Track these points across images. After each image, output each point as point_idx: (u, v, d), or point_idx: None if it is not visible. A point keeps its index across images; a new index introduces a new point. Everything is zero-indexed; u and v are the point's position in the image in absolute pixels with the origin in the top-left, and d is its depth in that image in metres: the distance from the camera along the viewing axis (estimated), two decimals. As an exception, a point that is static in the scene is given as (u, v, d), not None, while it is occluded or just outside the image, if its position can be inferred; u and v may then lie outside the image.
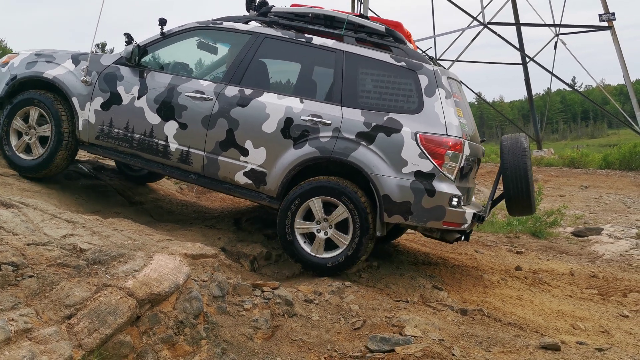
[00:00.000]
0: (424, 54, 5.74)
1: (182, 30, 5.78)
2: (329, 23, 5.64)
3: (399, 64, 5.21)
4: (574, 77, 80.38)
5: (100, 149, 5.79)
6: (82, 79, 5.71)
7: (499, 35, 21.90)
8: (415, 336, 4.01)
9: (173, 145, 5.48)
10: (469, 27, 23.59)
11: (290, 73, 5.75)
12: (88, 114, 5.70)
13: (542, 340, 4.24)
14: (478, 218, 5.22)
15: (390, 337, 3.97)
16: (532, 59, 22.95)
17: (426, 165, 4.89)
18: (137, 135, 5.57)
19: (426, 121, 4.99)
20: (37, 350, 2.82)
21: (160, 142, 5.51)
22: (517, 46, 23.77)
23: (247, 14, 6.00)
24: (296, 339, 4.01)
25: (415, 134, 4.94)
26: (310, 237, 5.15)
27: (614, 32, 21.23)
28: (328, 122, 5.12)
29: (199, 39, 5.95)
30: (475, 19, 23.11)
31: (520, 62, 24.91)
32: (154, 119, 5.52)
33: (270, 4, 6.03)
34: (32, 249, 3.61)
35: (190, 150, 5.43)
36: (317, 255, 5.09)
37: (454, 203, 4.90)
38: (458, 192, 4.95)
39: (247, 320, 4.03)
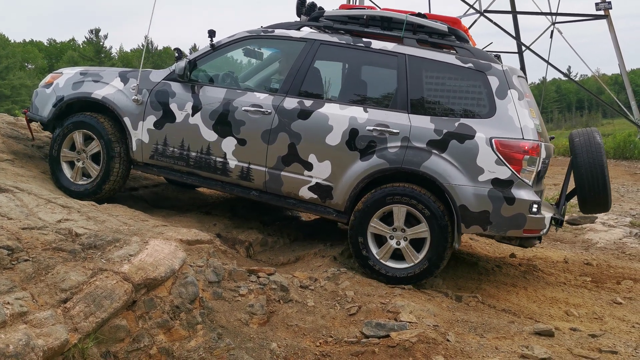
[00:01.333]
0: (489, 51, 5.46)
1: (233, 41, 5.56)
2: (386, 24, 5.36)
3: (466, 65, 4.96)
4: (570, 67, 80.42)
5: (155, 168, 5.63)
6: (133, 97, 5.53)
7: (495, 24, 21.85)
8: (410, 322, 4.02)
9: (232, 162, 5.31)
10: (465, 15, 23.51)
11: (350, 80, 5.50)
12: (141, 133, 5.54)
13: (536, 327, 4.27)
14: (556, 222, 5.09)
15: (386, 323, 3.99)
16: (528, 48, 22.93)
17: (503, 172, 4.67)
18: (194, 153, 5.40)
19: (500, 125, 4.75)
20: (32, 333, 2.81)
21: (219, 159, 5.34)
22: (514, 35, 23.73)
23: (297, 19, 5.76)
24: (292, 324, 4.03)
25: (490, 139, 4.71)
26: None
27: (610, 21, 21.23)
28: (396, 131, 4.89)
29: (246, 47, 5.73)
30: (471, 6, 23.03)
31: (517, 50, 24.88)
32: (210, 135, 5.34)
33: (312, 6, 5.79)
34: (27, 233, 3.60)
35: (251, 166, 5.26)
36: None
37: (534, 210, 4.69)
38: (538, 198, 4.76)
39: (242, 305, 4.04)
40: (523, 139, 4.72)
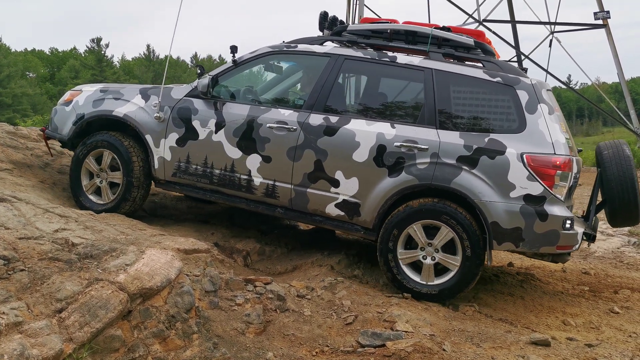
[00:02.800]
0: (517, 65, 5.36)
1: (255, 57, 5.53)
2: (410, 38, 5.37)
3: (495, 79, 4.91)
4: (570, 75, 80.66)
5: (177, 186, 5.60)
6: (155, 115, 5.50)
7: (494, 33, 21.88)
8: (406, 331, 4.03)
9: (257, 180, 5.26)
10: (464, 24, 23.59)
11: (375, 96, 5.40)
12: (163, 151, 5.51)
13: (533, 336, 4.27)
14: (588, 237, 5.04)
15: (382, 332, 3.99)
16: (527, 57, 22.97)
17: (536, 188, 4.62)
18: (217, 171, 5.36)
19: (531, 140, 4.70)
20: (27, 343, 2.82)
21: (243, 176, 5.30)
22: (513, 44, 23.80)
23: (319, 34, 5.73)
24: (288, 333, 4.03)
25: (521, 155, 4.65)
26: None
27: (608, 30, 21.29)
28: (424, 147, 4.83)
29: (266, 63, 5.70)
30: (470, 16, 23.13)
31: (516, 59, 24.94)
32: (234, 153, 5.30)
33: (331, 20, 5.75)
34: (24, 243, 3.61)
35: (276, 183, 5.21)
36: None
37: (567, 226, 4.64)
38: (570, 214, 4.72)
39: (239, 315, 4.05)
40: (555, 154, 4.67)
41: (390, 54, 5.26)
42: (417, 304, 4.73)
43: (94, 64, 62.09)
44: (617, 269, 6.82)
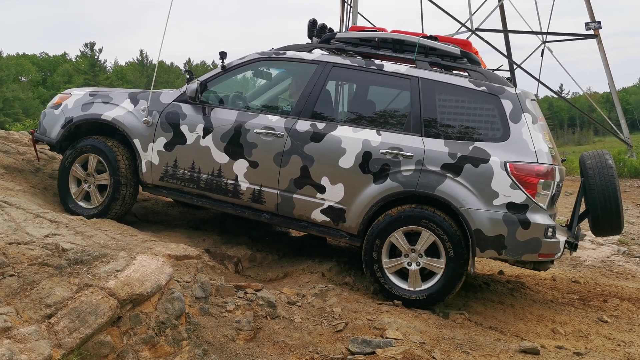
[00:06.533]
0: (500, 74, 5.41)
1: (244, 63, 5.57)
2: (397, 47, 5.41)
3: (480, 88, 4.99)
4: (561, 85, 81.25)
5: (164, 190, 5.62)
6: (143, 119, 5.52)
7: (486, 42, 22.02)
8: (396, 339, 4.04)
9: (244, 185, 5.29)
10: (457, 33, 23.72)
11: (362, 103, 5.48)
12: (151, 155, 5.53)
13: (522, 344, 4.29)
14: (570, 245, 5.07)
15: (372, 340, 4.00)
16: (519, 66, 23.11)
17: (518, 196, 4.67)
18: (205, 175, 5.40)
19: (514, 149, 4.77)
20: (16, 349, 2.81)
21: (230, 181, 5.33)
22: (505, 53, 23.94)
23: (308, 41, 5.78)
24: (278, 340, 4.03)
25: (505, 163, 4.71)
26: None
27: (599, 40, 21.45)
28: (409, 154, 4.89)
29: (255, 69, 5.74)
30: (463, 25, 23.24)
31: (508, 68, 25.08)
32: (221, 158, 5.33)
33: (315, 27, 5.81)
34: (14, 248, 3.59)
35: (263, 189, 5.24)
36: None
37: (550, 234, 4.70)
38: (552, 222, 4.77)
39: (229, 321, 4.05)
40: (538, 162, 4.73)
41: (377, 61, 5.32)
42: (407, 311, 4.74)
43: (87, 69, 62.01)
44: (606, 278, 6.86)
